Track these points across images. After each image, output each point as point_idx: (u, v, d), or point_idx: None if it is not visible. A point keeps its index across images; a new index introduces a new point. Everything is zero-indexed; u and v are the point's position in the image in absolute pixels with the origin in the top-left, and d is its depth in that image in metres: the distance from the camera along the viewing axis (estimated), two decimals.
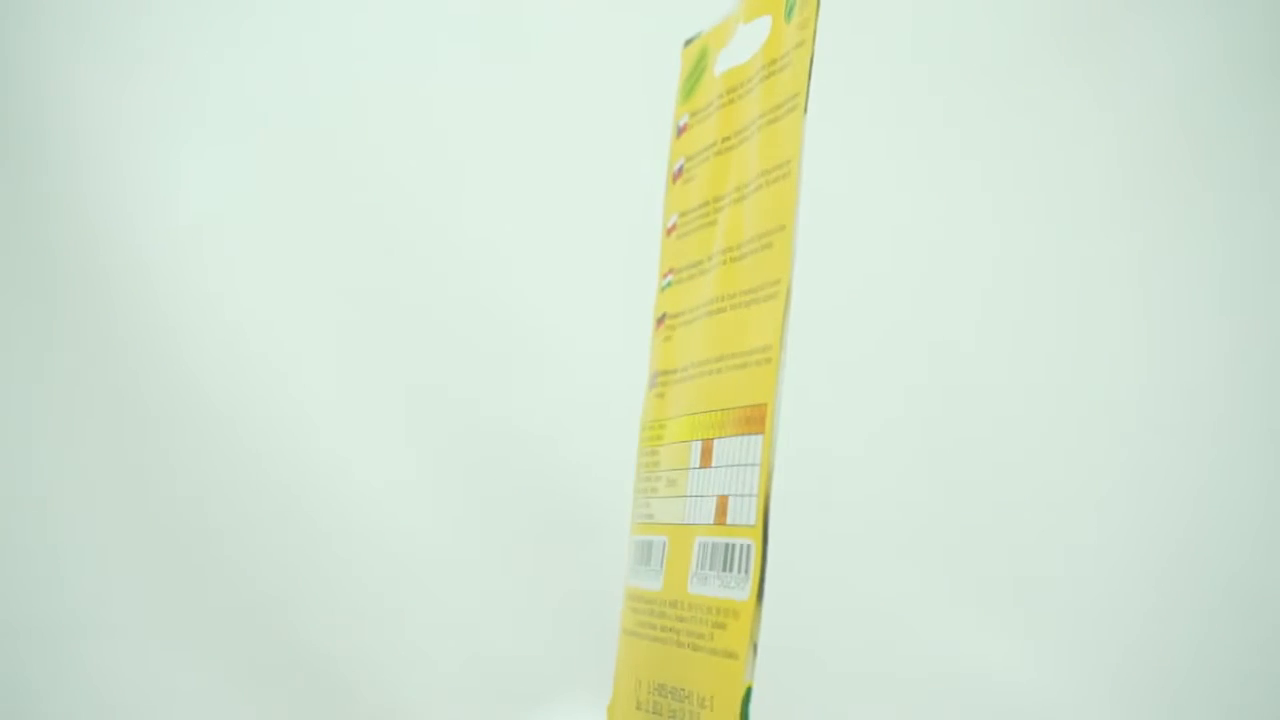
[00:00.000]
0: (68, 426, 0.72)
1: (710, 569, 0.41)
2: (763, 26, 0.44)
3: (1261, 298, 0.74)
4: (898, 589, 0.73)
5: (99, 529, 0.72)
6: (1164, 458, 0.74)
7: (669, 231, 0.48)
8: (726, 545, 0.40)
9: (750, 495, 0.40)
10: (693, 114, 0.48)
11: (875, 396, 0.75)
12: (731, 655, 0.39)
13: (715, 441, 0.42)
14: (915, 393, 0.76)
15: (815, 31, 0.40)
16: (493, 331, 0.75)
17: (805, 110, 0.40)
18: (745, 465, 0.40)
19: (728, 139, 0.45)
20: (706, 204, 0.46)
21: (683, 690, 0.42)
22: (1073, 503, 0.74)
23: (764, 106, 0.42)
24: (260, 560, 0.72)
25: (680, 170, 0.48)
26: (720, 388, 0.42)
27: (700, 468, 0.43)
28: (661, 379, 0.47)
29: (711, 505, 0.42)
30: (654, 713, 0.44)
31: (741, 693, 0.38)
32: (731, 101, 0.45)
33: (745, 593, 0.39)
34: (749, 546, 0.39)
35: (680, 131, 0.49)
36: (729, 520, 0.40)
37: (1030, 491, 0.74)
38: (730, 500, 0.41)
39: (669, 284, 0.48)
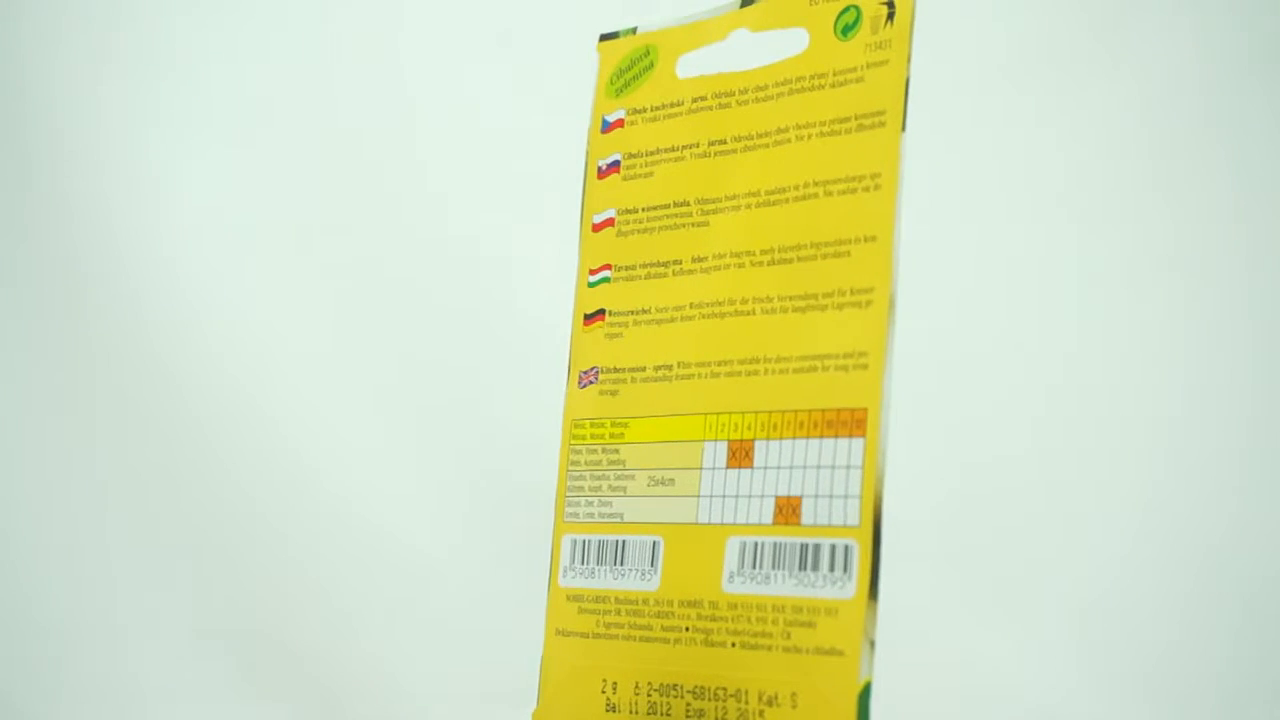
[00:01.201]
0: (65, 428, 0.72)
1: (774, 568, 0.42)
2: (779, 38, 0.45)
3: None
4: (912, 594, 0.72)
5: (96, 531, 0.72)
6: (1196, 460, 0.73)
7: (597, 227, 0.48)
8: (804, 545, 0.41)
9: (844, 497, 0.41)
10: (634, 110, 0.48)
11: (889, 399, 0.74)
12: (833, 652, 0.40)
13: (757, 443, 0.43)
14: (930, 396, 0.75)
15: (909, 54, 0.42)
16: (493, 333, 0.75)
17: (904, 128, 0.42)
18: (826, 467, 0.41)
19: (722, 142, 0.45)
20: (685, 204, 0.46)
21: (725, 690, 0.42)
22: (1093, 507, 0.74)
23: (808, 118, 0.43)
24: (259, 562, 0.72)
25: (615, 165, 0.48)
26: (763, 389, 0.43)
27: (728, 468, 0.43)
28: (611, 376, 0.47)
29: (765, 505, 0.42)
30: (655, 714, 0.43)
31: (857, 689, 0.40)
32: (726, 106, 0.46)
33: (847, 591, 0.40)
34: (847, 546, 0.41)
35: (609, 127, 0.48)
36: (805, 521, 0.41)
37: (1049, 495, 0.74)
38: (805, 501, 0.42)
39: (604, 280, 0.47)
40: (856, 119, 0.43)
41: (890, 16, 0.43)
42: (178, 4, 0.75)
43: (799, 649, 0.41)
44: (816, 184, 0.43)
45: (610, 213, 0.48)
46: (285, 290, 0.74)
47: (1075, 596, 0.73)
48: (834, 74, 0.43)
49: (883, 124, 0.42)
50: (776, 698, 0.41)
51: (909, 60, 0.42)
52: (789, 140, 0.44)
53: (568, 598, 0.46)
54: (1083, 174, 0.76)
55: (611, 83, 0.48)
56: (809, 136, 0.43)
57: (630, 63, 0.48)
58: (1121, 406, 0.75)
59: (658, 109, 0.47)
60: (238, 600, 0.72)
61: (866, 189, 0.42)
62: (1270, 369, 0.74)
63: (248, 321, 0.74)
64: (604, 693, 0.45)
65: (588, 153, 0.49)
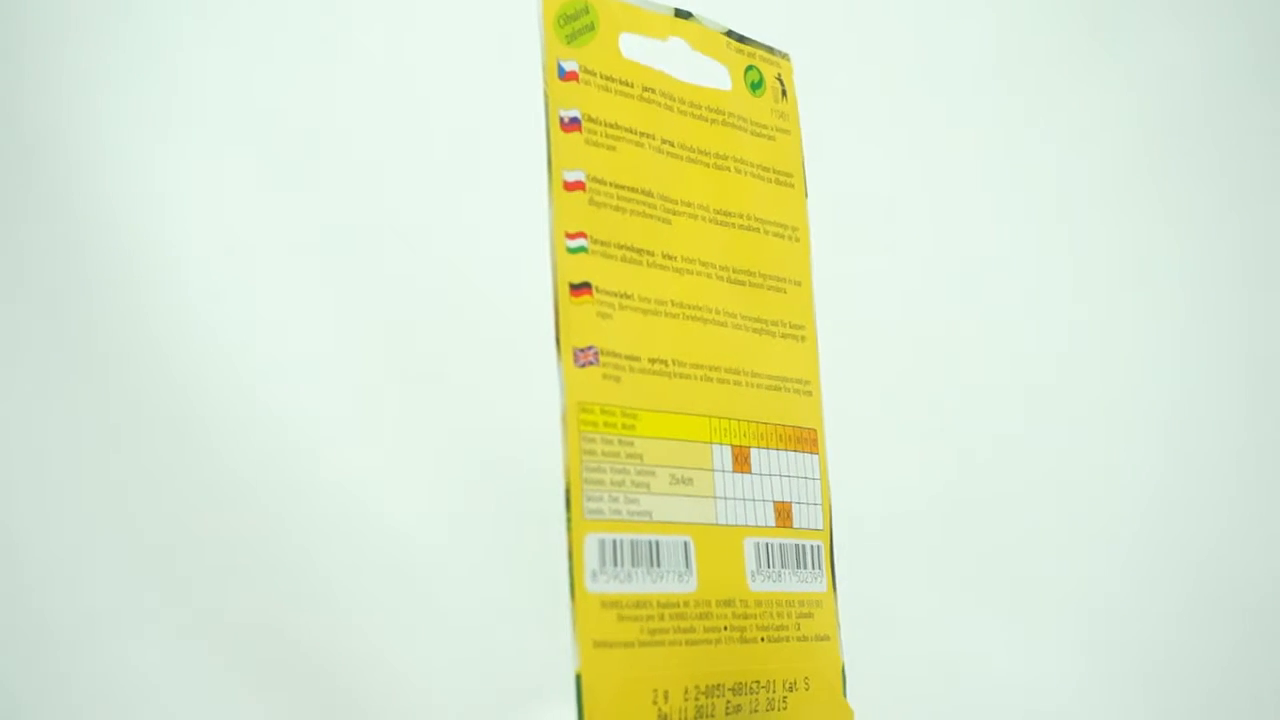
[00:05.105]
0: (69, 428, 0.72)
1: (782, 566, 0.49)
2: (708, 66, 0.50)
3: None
4: (906, 593, 0.75)
5: (100, 530, 0.71)
6: (1189, 462, 0.75)
7: (569, 186, 0.45)
8: (797, 546, 0.50)
9: (814, 504, 0.51)
10: (585, 70, 0.46)
11: (877, 400, 0.75)
12: (824, 638, 0.50)
13: (753, 450, 0.49)
14: (918, 397, 0.76)
15: (799, 133, 0.53)
16: (497, 329, 0.75)
17: (806, 194, 0.52)
18: (802, 478, 0.50)
19: (671, 144, 0.48)
20: (650, 194, 0.47)
21: (758, 683, 0.48)
22: (1083, 505, 0.75)
23: (741, 154, 0.49)
24: (262, 560, 0.71)
25: (576, 123, 0.46)
26: (750, 401, 0.48)
27: (734, 472, 0.48)
28: (611, 360, 0.45)
29: (768, 509, 0.49)
30: (701, 717, 0.46)
31: (839, 669, 0.51)
32: (670, 109, 0.48)
33: (822, 585, 0.51)
34: (819, 547, 0.51)
35: (566, 77, 0.46)
36: (795, 524, 0.50)
37: (1038, 493, 0.76)
38: (794, 507, 0.50)
39: (582, 249, 0.45)
40: (774, 173, 0.51)
41: (784, 93, 0.52)
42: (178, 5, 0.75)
43: (806, 637, 0.48)
44: (756, 220, 0.50)
45: (580, 174, 0.45)
46: (293, 294, 0.74)
47: (1077, 596, 0.78)
48: (752, 123, 0.50)
49: (792, 185, 0.51)
50: (795, 683, 0.48)
51: (800, 138, 0.52)
52: (729, 169, 0.49)
53: (602, 605, 0.43)
54: (1071, 178, 0.80)
55: (559, 28, 0.45)
56: (744, 173, 0.49)
57: (575, 12, 0.46)
58: (1115, 408, 0.78)
59: (608, 79, 0.46)
60: (238, 598, 0.70)
61: (789, 238, 0.51)
62: (1271, 370, 0.77)
63: (245, 319, 0.73)
64: (655, 704, 0.44)
65: (546, 96, 0.44)
